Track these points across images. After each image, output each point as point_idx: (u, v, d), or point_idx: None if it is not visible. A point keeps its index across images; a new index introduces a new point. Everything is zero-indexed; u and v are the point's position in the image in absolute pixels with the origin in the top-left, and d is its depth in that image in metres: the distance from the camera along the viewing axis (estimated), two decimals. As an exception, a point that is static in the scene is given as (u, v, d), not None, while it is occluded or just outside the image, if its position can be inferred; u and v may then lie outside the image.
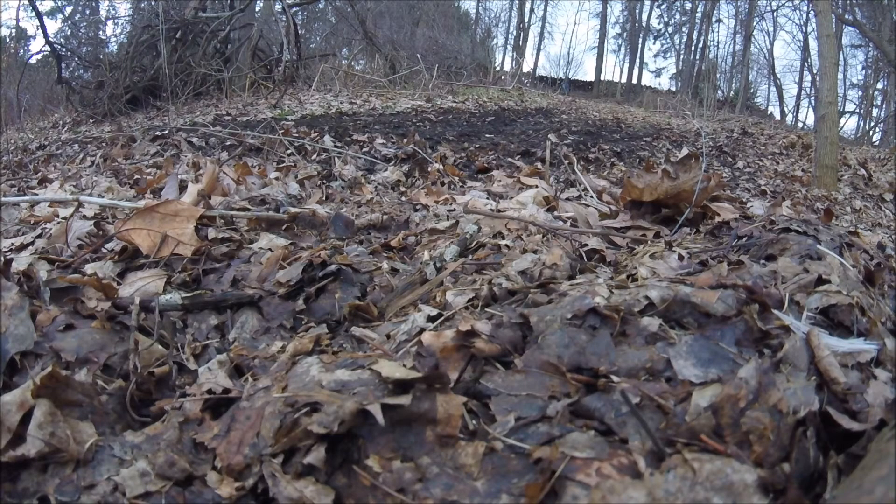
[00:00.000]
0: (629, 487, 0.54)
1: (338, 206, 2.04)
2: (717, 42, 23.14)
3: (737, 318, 0.78)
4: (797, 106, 22.05)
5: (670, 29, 25.30)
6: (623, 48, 25.78)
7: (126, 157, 3.39)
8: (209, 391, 0.79)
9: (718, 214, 1.59)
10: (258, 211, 1.76)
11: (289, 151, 3.52)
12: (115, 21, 13.24)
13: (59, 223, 1.57)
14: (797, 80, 22.13)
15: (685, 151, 5.47)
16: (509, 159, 4.34)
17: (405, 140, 4.37)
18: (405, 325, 0.95)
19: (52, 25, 15.14)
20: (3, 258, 1.09)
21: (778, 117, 19.64)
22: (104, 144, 4.08)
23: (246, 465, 0.64)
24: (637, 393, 0.67)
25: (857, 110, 20.27)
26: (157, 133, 4.01)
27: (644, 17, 24.61)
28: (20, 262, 1.17)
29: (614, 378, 0.69)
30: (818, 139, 5.32)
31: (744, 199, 2.55)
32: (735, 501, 0.53)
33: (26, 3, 8.91)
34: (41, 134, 6.48)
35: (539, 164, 3.56)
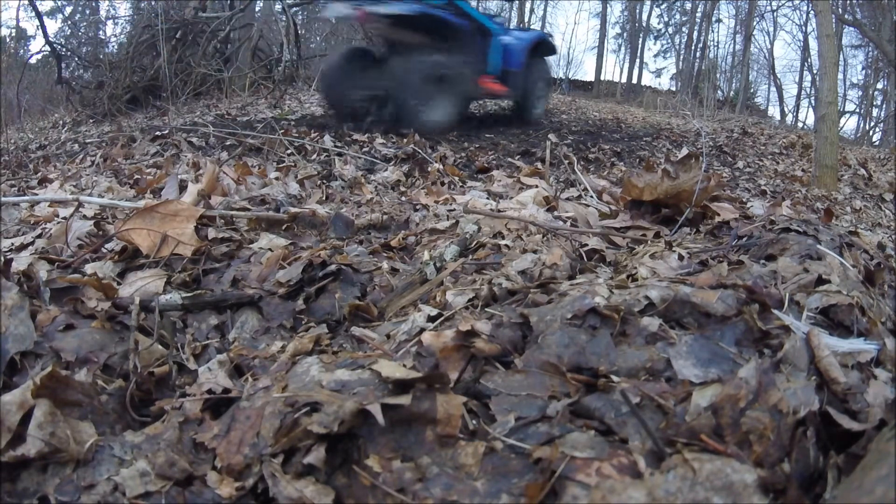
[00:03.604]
0: (629, 487, 0.54)
1: (338, 206, 2.04)
2: (717, 42, 23.14)
3: (737, 318, 0.78)
4: (797, 106, 22.05)
5: (670, 29, 25.30)
6: (623, 48, 25.77)
7: (126, 157, 3.39)
8: (209, 391, 0.79)
9: (718, 214, 1.59)
10: (258, 211, 1.76)
11: (289, 151, 3.52)
12: (115, 21, 13.22)
13: (59, 223, 1.57)
14: (797, 80, 22.13)
15: (685, 151, 5.47)
16: (509, 159, 4.34)
17: (405, 140, 4.37)
18: (405, 325, 0.95)
19: (52, 25, 15.15)
20: (3, 258, 1.09)
21: (778, 117, 19.65)
22: (104, 144, 4.08)
23: (246, 465, 0.64)
24: (637, 393, 0.67)
25: (857, 110, 20.28)
26: (157, 133, 4.00)
27: (644, 17, 24.62)
28: (20, 262, 1.16)
29: (614, 378, 0.69)
30: (818, 139, 5.32)
31: (744, 199, 2.55)
32: (735, 501, 0.53)
33: (26, 3, 8.91)
34: (41, 134, 6.48)
35: (539, 164, 3.56)
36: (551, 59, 6.51)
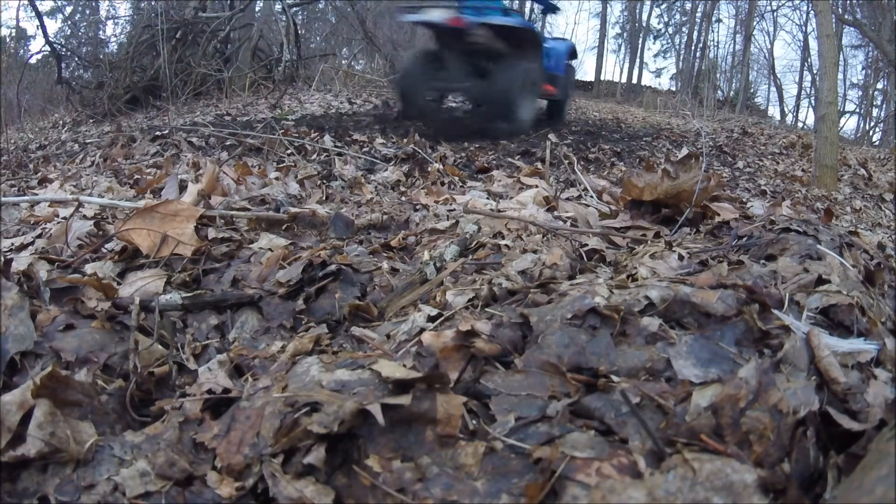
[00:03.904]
0: (629, 487, 0.54)
1: (338, 206, 2.04)
2: (717, 42, 23.13)
3: (737, 318, 0.78)
4: (797, 106, 22.04)
5: (670, 29, 25.29)
6: (623, 48, 25.77)
7: (126, 157, 3.39)
8: (209, 391, 0.79)
9: (718, 214, 1.59)
10: (258, 211, 1.76)
11: (289, 151, 3.52)
12: (115, 21, 13.23)
13: (59, 223, 1.57)
14: (797, 80, 22.12)
15: (685, 151, 5.48)
16: (509, 159, 4.34)
17: (405, 140, 4.37)
18: (405, 325, 0.95)
19: (52, 25, 15.14)
20: (3, 258, 1.09)
21: (778, 117, 19.64)
22: (103, 145, 4.08)
23: (246, 465, 0.64)
24: (637, 393, 0.67)
25: (857, 110, 20.27)
26: (157, 133, 4.01)
27: (644, 17, 24.61)
28: (20, 262, 1.16)
29: (614, 378, 0.69)
30: (818, 139, 5.32)
31: (744, 199, 2.55)
32: (735, 501, 0.53)
33: (26, 3, 8.91)
34: (41, 134, 6.48)
35: (539, 164, 3.56)
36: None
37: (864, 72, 20.74)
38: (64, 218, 1.59)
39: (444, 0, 5.47)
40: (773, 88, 23.01)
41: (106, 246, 1.37)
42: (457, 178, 3.08)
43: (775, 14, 20.88)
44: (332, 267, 1.20)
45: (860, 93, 20.49)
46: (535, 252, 1.27)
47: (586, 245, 1.40)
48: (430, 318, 0.94)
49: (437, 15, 5.19)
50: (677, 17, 24.55)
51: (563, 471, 0.57)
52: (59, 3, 13.45)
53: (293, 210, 1.74)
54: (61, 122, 7.45)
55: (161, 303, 1.03)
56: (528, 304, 0.89)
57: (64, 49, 9.14)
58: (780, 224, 1.23)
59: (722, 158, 6.17)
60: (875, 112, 19.15)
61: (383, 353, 0.82)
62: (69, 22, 13.96)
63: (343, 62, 11.93)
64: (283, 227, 1.64)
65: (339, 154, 3.52)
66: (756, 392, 0.64)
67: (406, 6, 5.85)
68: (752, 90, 22.90)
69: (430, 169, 3.26)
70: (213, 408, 0.76)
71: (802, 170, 5.96)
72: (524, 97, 5.54)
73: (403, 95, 5.81)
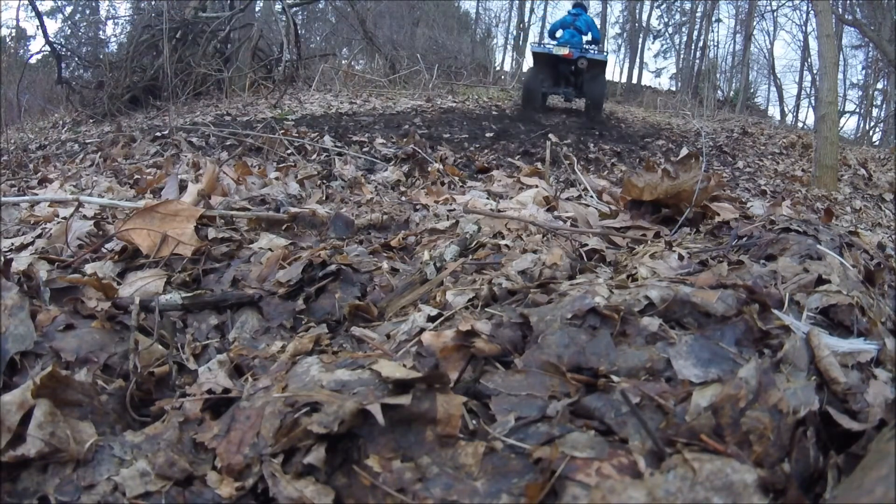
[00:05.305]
0: (629, 487, 0.54)
1: (338, 206, 2.04)
2: (717, 42, 23.14)
3: (737, 318, 0.78)
4: (797, 106, 22.04)
5: (670, 29, 25.30)
6: (623, 48, 25.78)
7: (126, 157, 3.40)
8: (209, 391, 0.78)
9: (718, 214, 1.59)
10: (258, 211, 1.76)
11: (289, 151, 3.52)
12: (115, 21, 13.24)
13: (59, 223, 1.57)
14: (797, 80, 22.13)
15: (685, 151, 5.48)
16: (509, 159, 4.35)
17: (405, 140, 4.37)
18: (405, 325, 0.95)
19: (52, 25, 15.16)
20: (3, 258, 1.09)
21: (778, 117, 19.64)
22: (104, 145, 4.08)
23: (246, 465, 0.64)
24: (637, 393, 0.67)
25: (857, 110, 20.27)
26: (157, 133, 4.01)
27: (644, 17, 24.62)
28: (20, 262, 1.16)
29: (614, 378, 0.69)
30: (818, 139, 5.32)
31: (744, 199, 2.55)
32: (735, 501, 0.53)
33: (26, 3, 8.91)
34: (41, 134, 6.48)
35: (539, 164, 3.56)
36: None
37: (864, 72, 20.75)
38: (64, 218, 1.59)
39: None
40: (773, 88, 23.03)
41: (106, 246, 1.37)
42: (457, 178, 3.08)
43: (775, 14, 20.89)
44: (332, 267, 1.20)
45: (860, 93, 20.50)
46: (535, 252, 1.27)
47: (586, 245, 1.40)
48: (430, 318, 0.94)
49: (556, 50, 8.35)
50: (677, 17, 24.57)
51: (563, 471, 0.57)
52: (59, 3, 13.46)
53: (293, 210, 1.74)
54: (61, 122, 7.46)
55: (161, 303, 1.03)
56: (528, 304, 0.89)
57: (64, 49, 9.14)
58: (780, 224, 1.23)
59: (722, 158, 6.18)
60: (875, 112, 19.16)
61: (383, 353, 0.82)
62: (69, 22, 13.96)
63: (343, 62, 11.93)
64: (283, 227, 1.64)
65: (339, 154, 3.52)
66: (756, 392, 0.64)
67: (536, 43, 9.43)
68: (752, 90, 22.90)
69: (430, 169, 3.26)
70: (213, 408, 0.76)
71: (802, 170, 5.97)
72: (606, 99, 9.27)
73: (526, 95, 8.75)
